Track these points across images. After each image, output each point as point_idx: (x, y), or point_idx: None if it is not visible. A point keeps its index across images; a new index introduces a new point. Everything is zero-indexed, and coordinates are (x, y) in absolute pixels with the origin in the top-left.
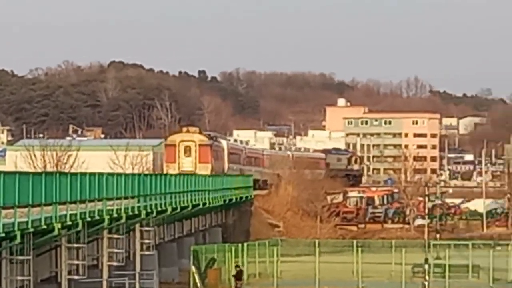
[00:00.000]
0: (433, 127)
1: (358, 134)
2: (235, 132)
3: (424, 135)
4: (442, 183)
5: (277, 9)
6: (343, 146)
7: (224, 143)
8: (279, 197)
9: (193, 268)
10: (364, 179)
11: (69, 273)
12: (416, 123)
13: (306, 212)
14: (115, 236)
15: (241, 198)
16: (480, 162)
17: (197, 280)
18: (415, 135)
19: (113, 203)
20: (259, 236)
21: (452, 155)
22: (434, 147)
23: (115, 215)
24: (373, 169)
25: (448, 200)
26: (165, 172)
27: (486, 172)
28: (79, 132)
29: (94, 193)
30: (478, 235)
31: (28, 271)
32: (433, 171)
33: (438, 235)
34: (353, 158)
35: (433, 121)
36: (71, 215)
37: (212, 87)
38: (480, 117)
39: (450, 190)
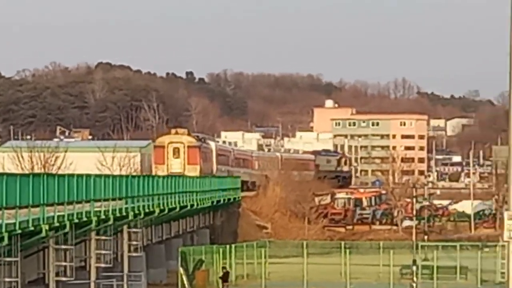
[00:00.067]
0: (420, 129)
1: (345, 136)
2: (223, 134)
3: (412, 137)
4: (430, 185)
5: (265, 11)
6: (331, 148)
7: (212, 144)
8: (267, 199)
9: (181, 270)
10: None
11: (57, 274)
12: (404, 124)
13: (294, 213)
14: (103, 237)
15: (228, 199)
16: (468, 164)
17: (185, 282)
18: (403, 137)
19: (100, 204)
20: (247, 238)
21: (440, 157)
22: (422, 148)
23: (102, 216)
24: (361, 170)
25: (436, 202)
26: (154, 173)
27: (474, 173)
28: (67, 134)
29: (82, 195)
30: (466, 236)
31: (16, 273)
32: (421, 172)
33: (426, 237)
34: (343, 160)
35: (420, 123)
36: (58, 216)
37: (199, 88)
38: (468, 118)
39: (438, 192)
